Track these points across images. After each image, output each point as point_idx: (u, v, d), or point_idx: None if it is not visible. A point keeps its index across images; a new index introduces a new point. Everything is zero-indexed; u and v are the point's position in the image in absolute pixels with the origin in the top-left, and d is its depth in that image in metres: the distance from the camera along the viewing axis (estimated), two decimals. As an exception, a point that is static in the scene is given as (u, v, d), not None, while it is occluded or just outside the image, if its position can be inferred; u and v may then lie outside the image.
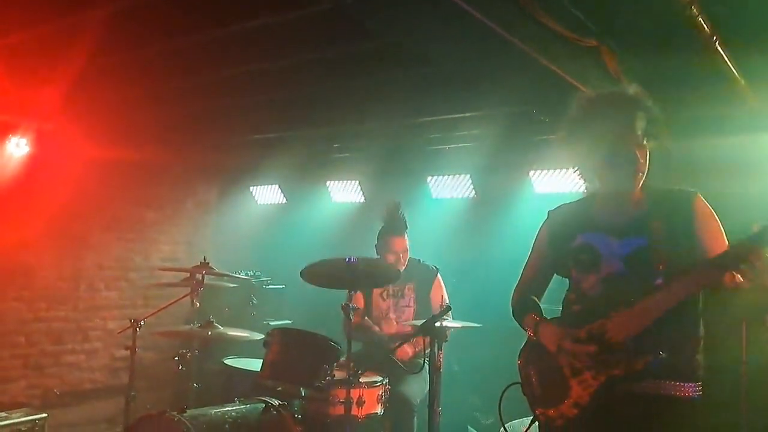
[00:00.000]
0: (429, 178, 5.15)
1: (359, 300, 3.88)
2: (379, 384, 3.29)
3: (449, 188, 5.10)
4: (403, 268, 3.78)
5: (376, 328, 3.83)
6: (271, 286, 5.20)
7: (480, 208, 5.02)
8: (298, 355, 3.12)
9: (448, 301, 3.71)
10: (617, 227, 2.06)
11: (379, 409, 3.27)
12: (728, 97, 3.18)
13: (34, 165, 4.82)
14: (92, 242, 5.52)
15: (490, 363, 3.86)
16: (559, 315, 2.17)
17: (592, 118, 2.02)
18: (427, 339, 3.12)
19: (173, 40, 3.09)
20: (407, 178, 5.36)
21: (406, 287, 3.82)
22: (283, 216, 6.08)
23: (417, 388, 3.48)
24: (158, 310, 3.62)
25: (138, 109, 4.56)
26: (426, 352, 3.18)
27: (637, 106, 1.99)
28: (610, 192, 2.08)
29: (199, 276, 3.52)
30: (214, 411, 3.06)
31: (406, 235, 3.80)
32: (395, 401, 3.40)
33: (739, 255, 1.70)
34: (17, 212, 4.80)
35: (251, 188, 6.26)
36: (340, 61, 3.39)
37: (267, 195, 6.25)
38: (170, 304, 3.65)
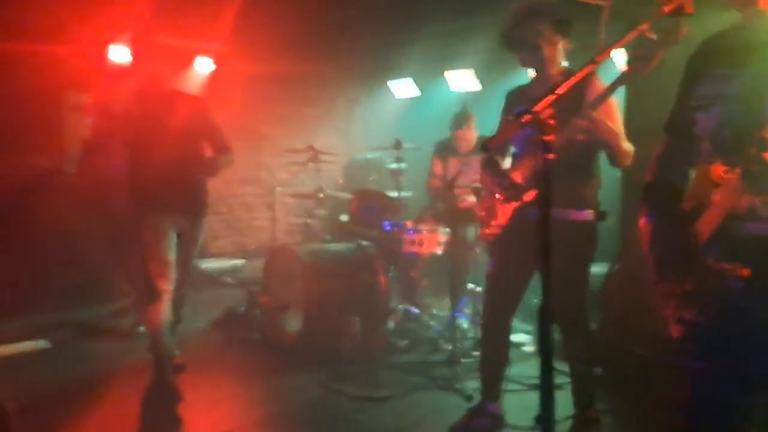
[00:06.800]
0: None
1: (438, 166, 4.93)
2: (436, 231, 4.35)
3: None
4: (467, 150, 4.72)
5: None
6: (393, 166, 6.38)
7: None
8: (369, 207, 4.33)
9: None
10: (536, 100, 2.78)
11: (438, 250, 4.35)
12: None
13: (218, 78, 6.42)
14: (266, 135, 7.19)
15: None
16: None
17: (512, 25, 2.76)
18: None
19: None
20: (515, 66, 6.00)
21: (474, 158, 4.72)
22: (417, 105, 7.14)
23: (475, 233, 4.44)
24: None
25: (292, 27, 5.83)
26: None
27: (540, 14, 2.67)
28: (537, 76, 2.84)
29: (308, 156, 4.84)
30: (319, 246, 4.43)
31: (466, 128, 4.69)
32: (457, 244, 4.42)
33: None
34: (209, 115, 6.46)
35: (389, 83, 7.35)
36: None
37: (403, 89, 7.30)
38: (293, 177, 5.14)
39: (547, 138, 1.24)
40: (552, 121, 1.25)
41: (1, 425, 2.54)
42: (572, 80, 1.35)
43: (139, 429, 3.19)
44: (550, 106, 1.27)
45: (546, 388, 1.35)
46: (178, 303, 3.84)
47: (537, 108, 1.26)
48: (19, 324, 4.62)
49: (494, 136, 1.32)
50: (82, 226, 4.86)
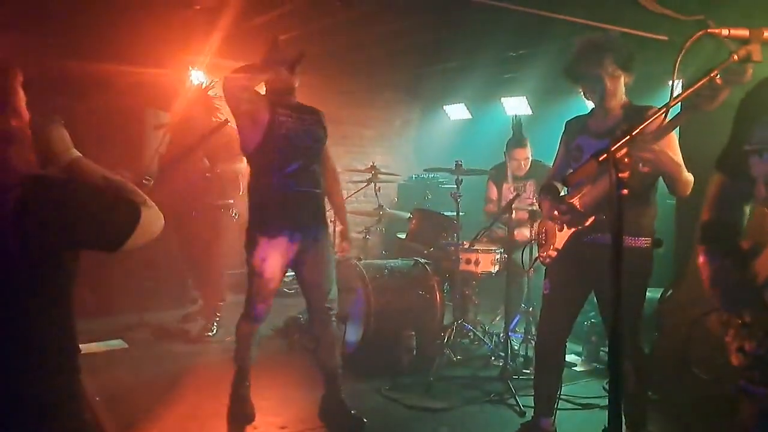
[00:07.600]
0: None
1: (493, 191, 5.09)
2: (492, 251, 4.52)
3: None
4: (523, 172, 4.86)
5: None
6: (446, 186, 6.60)
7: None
8: (426, 225, 4.53)
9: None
10: (597, 132, 2.98)
11: (493, 269, 4.52)
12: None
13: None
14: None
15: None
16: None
17: (576, 58, 2.93)
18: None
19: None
20: (566, 94, 6.15)
21: (527, 183, 4.88)
22: (469, 128, 7.34)
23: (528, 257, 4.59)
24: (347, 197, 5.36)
25: (356, 53, 6.12)
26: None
27: (604, 49, 2.83)
28: (597, 108, 3.00)
29: (369, 175, 5.07)
30: (380, 261, 4.65)
31: (526, 147, 4.83)
32: (511, 265, 4.58)
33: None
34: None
35: (444, 107, 7.59)
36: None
37: (456, 112, 7.52)
38: (353, 194, 5.40)
39: (622, 175, 1.42)
40: (627, 160, 1.42)
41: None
42: (647, 123, 1.52)
43: (208, 427, 3.41)
44: (624, 145, 1.45)
45: (614, 410, 1.46)
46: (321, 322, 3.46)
47: (613, 148, 1.43)
48: (99, 324, 4.98)
49: (574, 172, 1.51)
50: (158, 235, 5.20)
